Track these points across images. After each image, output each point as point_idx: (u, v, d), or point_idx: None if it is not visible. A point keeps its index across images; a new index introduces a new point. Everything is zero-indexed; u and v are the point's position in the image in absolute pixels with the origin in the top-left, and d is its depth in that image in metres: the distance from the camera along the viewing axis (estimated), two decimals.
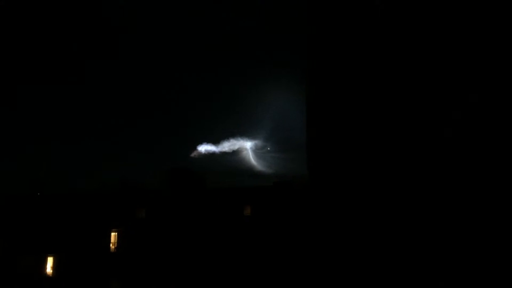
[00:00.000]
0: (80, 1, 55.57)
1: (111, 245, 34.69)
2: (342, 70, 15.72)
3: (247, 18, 65.26)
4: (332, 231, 15.17)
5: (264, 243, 31.40)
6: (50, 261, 34.81)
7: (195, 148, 60.42)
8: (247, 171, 58.48)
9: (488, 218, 12.28)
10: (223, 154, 59.71)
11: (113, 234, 34.84)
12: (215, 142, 59.90)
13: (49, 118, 67.81)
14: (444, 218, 12.85)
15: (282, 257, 30.28)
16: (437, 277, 12.77)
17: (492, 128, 12.42)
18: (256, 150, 59.03)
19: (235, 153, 59.55)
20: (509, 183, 12.17)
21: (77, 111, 72.16)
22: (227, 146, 59.21)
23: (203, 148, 59.88)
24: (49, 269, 34.72)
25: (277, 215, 32.00)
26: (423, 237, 13.10)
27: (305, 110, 16.92)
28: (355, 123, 15.30)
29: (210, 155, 60.06)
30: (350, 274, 14.20)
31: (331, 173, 15.86)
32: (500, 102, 12.34)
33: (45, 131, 64.81)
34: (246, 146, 58.98)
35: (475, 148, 12.81)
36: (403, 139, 13.94)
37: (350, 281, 14.16)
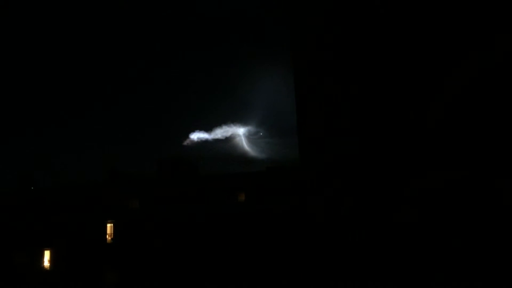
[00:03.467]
0: None
1: (107, 236, 34.78)
2: (331, 54, 15.68)
3: (238, 2, 64.66)
4: (325, 217, 15.23)
5: (259, 229, 31.60)
6: (47, 254, 34.89)
7: (187, 137, 60.34)
8: (240, 157, 58.60)
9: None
10: (216, 141, 59.69)
11: (109, 225, 34.91)
12: (208, 129, 59.82)
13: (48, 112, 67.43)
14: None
15: (277, 244, 30.52)
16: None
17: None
18: (249, 136, 59.07)
19: (228, 139, 59.54)
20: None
21: (66, 97, 71.65)
22: (219, 133, 59.17)
23: (196, 136, 59.81)
24: (46, 263, 34.80)
25: (271, 200, 32.15)
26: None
27: (295, 94, 16.93)
28: (345, 108, 15.32)
29: (202, 143, 60.03)
30: (345, 261, 14.31)
31: (323, 158, 15.91)
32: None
33: (32, 123, 64.51)
34: (239, 132, 58.98)
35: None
36: (395, 128, 13.87)
37: (344, 267, 14.29)
